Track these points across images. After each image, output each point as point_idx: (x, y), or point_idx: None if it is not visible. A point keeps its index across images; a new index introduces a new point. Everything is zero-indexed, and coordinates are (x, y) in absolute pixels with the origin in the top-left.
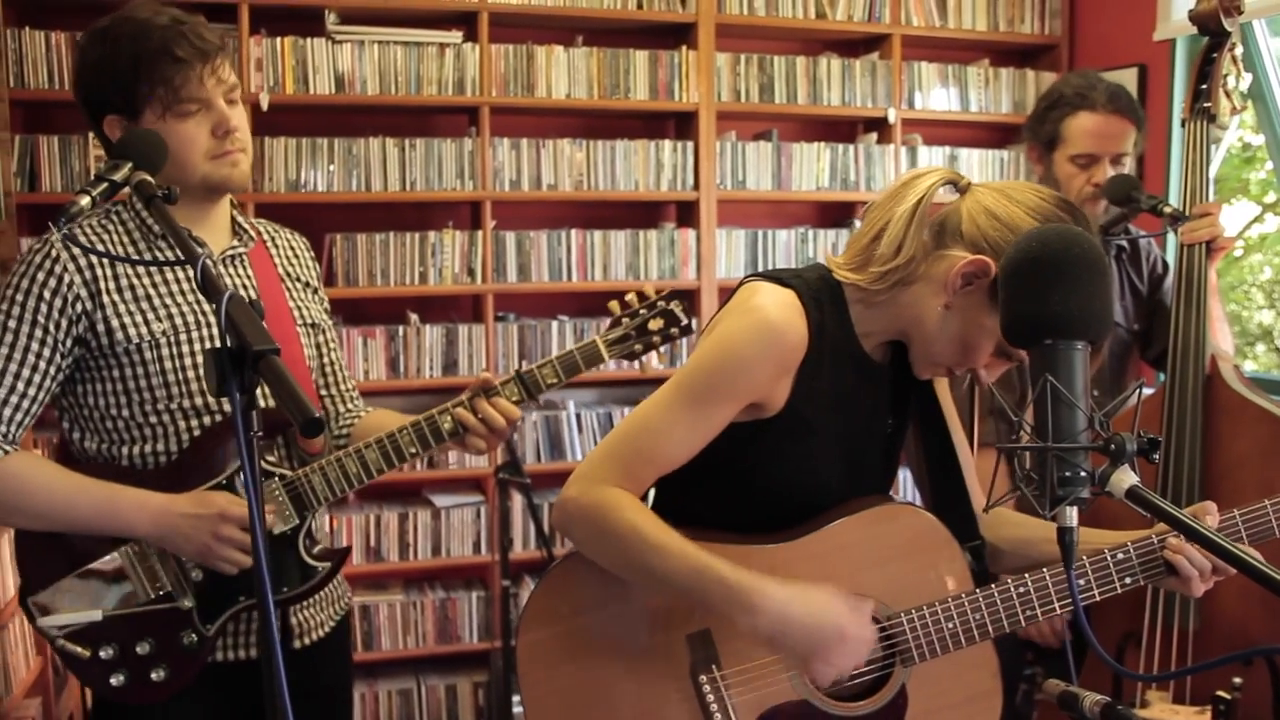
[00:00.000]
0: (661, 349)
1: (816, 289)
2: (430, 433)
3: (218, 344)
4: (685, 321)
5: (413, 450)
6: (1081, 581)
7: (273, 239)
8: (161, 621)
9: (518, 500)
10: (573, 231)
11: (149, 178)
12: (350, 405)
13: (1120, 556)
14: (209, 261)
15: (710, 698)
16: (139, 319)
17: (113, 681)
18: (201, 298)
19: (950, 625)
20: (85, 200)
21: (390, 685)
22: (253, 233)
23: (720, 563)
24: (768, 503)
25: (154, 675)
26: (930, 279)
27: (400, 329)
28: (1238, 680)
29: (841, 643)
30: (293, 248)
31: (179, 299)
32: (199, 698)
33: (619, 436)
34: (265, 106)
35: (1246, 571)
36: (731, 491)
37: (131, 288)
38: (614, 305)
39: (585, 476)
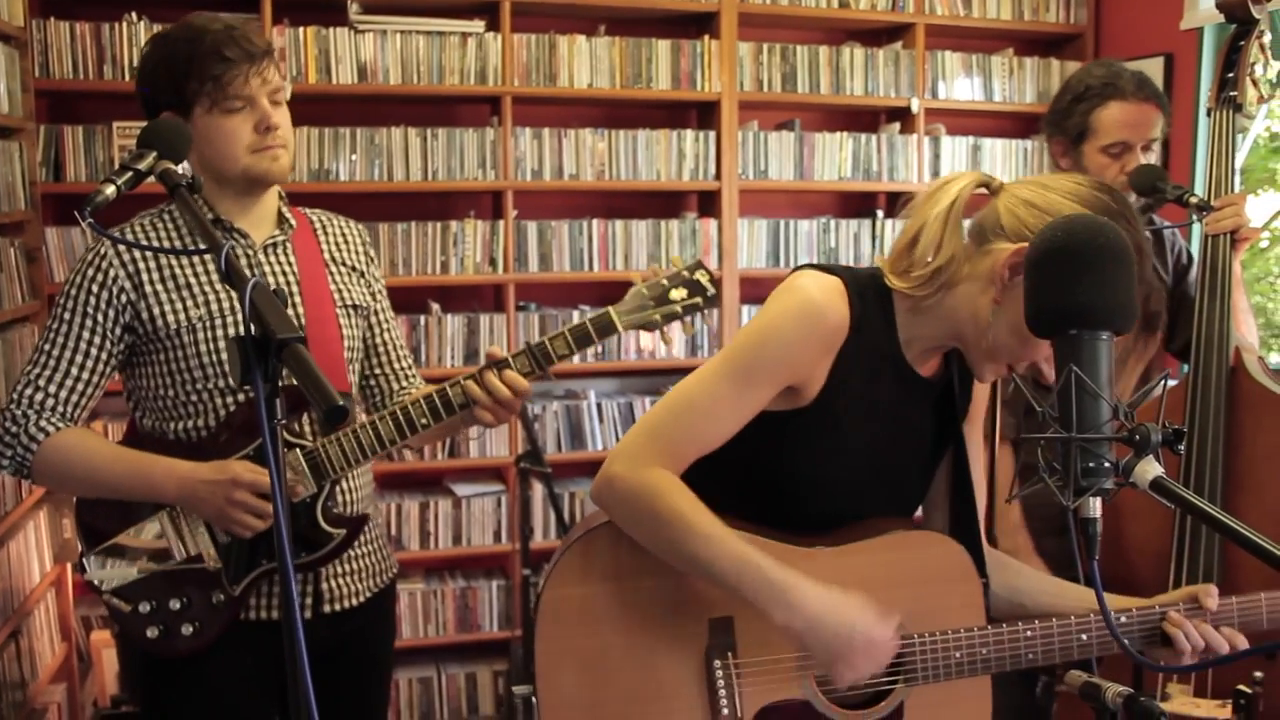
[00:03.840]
0: (686, 319)
1: (864, 284)
2: (441, 404)
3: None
4: (712, 291)
5: (424, 421)
6: (1084, 637)
7: (324, 226)
8: (193, 581)
9: (538, 490)
10: (594, 221)
11: (173, 166)
12: (405, 383)
13: (1123, 620)
14: (233, 250)
15: (720, 682)
16: (178, 306)
17: (149, 633)
18: None
19: (958, 655)
20: (110, 189)
21: (411, 674)
22: (294, 220)
23: (763, 557)
24: (790, 496)
25: (184, 630)
26: (975, 278)
27: (422, 318)
28: (1259, 674)
29: (869, 648)
30: (344, 234)
31: (216, 287)
32: (237, 654)
33: (665, 414)
34: (288, 96)
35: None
36: (756, 480)
37: (174, 277)
38: (635, 275)
39: (630, 455)
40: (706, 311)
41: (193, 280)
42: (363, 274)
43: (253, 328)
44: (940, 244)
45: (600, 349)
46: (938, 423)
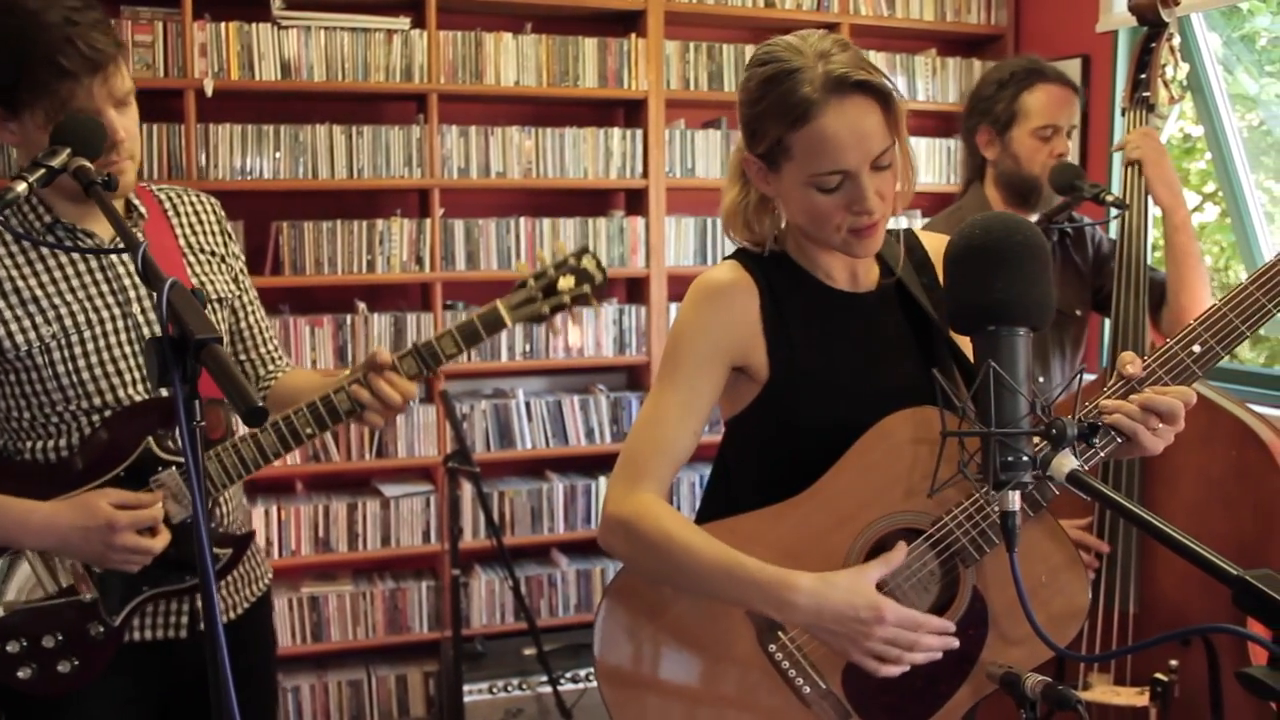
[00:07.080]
0: (575, 309)
1: (758, 256)
2: (326, 412)
3: (109, 341)
4: (600, 278)
5: (309, 431)
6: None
7: (175, 207)
8: (68, 614)
9: (467, 489)
10: (521, 219)
11: (88, 164)
12: (271, 367)
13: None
14: (148, 249)
15: (785, 664)
16: (26, 324)
17: (20, 674)
18: (93, 294)
19: (994, 509)
20: (21, 186)
21: (340, 676)
22: (144, 208)
23: (750, 561)
24: (823, 459)
25: (61, 667)
26: (777, 195)
27: (348, 318)
28: (1174, 663)
29: (880, 623)
30: (197, 213)
31: (68, 297)
32: (115, 679)
33: (629, 440)
34: (210, 92)
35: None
36: (790, 467)
37: (16, 291)
38: (521, 266)
39: (613, 492)
40: (596, 300)
41: (39, 293)
42: (223, 258)
43: (146, 330)
44: (748, 194)
45: (528, 348)
46: (917, 323)
